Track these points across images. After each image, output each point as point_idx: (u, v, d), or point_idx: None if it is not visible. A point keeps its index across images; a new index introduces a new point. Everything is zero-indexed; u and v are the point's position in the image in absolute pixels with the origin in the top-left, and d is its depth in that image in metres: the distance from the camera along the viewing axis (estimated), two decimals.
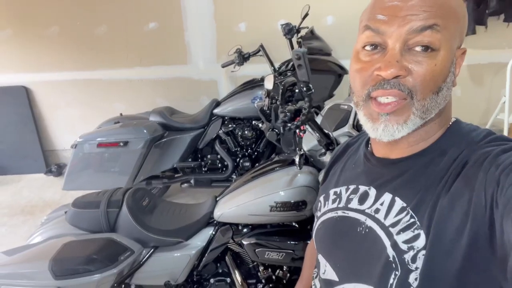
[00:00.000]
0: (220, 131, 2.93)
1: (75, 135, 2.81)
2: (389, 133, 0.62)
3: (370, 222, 0.66)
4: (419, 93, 0.59)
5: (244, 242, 1.66)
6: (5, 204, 3.43)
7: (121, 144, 2.62)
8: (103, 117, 3.09)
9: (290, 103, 1.39)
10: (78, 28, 3.60)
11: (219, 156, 2.95)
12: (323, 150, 1.63)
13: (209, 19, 3.48)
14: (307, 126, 1.51)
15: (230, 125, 2.92)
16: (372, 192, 0.69)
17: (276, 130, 1.31)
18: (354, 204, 0.71)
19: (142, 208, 1.71)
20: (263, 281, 1.72)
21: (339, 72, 2.74)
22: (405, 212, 0.61)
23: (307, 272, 1.03)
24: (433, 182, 0.60)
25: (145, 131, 2.66)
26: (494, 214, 0.51)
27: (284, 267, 1.71)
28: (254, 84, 2.88)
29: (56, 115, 3.94)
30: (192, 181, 2.95)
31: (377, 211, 0.66)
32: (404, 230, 0.60)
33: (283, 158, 1.75)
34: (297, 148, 1.41)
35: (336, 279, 0.71)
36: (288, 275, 1.72)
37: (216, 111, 2.91)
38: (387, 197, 0.65)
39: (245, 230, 1.70)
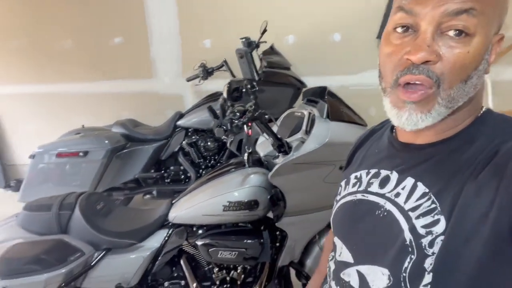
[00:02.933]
0: (184, 143, 2.97)
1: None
2: (413, 122, 0.60)
3: (389, 206, 0.65)
4: (447, 81, 0.57)
5: (198, 243, 1.68)
6: None
7: (81, 154, 2.60)
8: (66, 131, 3.06)
9: (239, 103, 1.46)
10: (43, 41, 3.60)
11: (182, 167, 2.97)
12: (276, 154, 1.70)
13: (175, 35, 3.57)
14: (259, 129, 1.58)
15: (193, 137, 2.96)
16: (394, 176, 0.67)
17: (224, 127, 1.37)
18: (375, 187, 0.70)
19: (95, 211, 1.71)
20: (218, 283, 1.74)
21: (297, 86, 2.85)
22: (426, 197, 0.60)
23: (325, 260, 1.02)
24: (459, 169, 0.58)
25: (106, 141, 2.66)
26: None
27: (238, 268, 1.73)
28: (218, 96, 2.95)
29: (17, 129, 3.86)
30: (154, 192, 2.94)
31: (397, 195, 0.64)
32: (424, 215, 0.59)
33: (239, 160, 1.81)
34: (246, 147, 1.48)
35: (352, 260, 0.70)
36: (243, 276, 1.74)
37: (179, 122, 2.96)
38: (409, 181, 0.64)
39: (199, 231, 1.72)
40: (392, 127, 0.77)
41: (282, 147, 1.65)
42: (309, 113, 1.87)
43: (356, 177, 0.77)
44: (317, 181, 1.60)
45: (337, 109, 1.66)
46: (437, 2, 0.56)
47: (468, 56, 0.56)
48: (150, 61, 3.64)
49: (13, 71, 3.68)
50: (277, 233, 1.76)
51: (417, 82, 0.58)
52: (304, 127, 1.83)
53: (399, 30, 0.60)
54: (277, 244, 1.75)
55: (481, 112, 0.64)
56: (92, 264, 1.58)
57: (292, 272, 1.88)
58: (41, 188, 2.63)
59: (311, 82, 3.12)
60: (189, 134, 2.98)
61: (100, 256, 1.61)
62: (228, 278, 1.74)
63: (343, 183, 0.82)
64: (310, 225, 1.73)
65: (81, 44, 3.61)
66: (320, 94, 1.78)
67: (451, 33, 0.56)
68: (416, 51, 0.56)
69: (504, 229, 0.51)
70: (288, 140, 1.71)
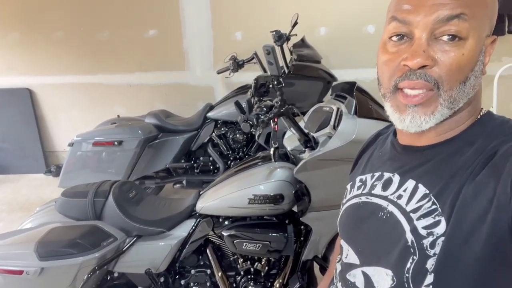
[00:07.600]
0: (213, 134, 3.03)
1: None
2: (416, 124, 0.62)
3: (391, 208, 0.66)
4: (446, 83, 0.59)
5: (224, 234, 1.72)
6: (5, 201, 3.53)
7: (116, 143, 2.71)
8: (102, 120, 3.20)
9: (266, 99, 1.48)
10: (82, 33, 3.76)
11: (211, 158, 3.04)
12: (303, 148, 1.71)
13: (207, 27, 3.61)
14: (285, 124, 1.59)
15: (222, 129, 3.01)
16: (396, 178, 0.69)
17: (250, 122, 1.39)
18: (378, 190, 0.72)
19: (128, 199, 1.79)
20: (242, 273, 1.78)
21: (328, 79, 2.82)
22: (427, 199, 0.61)
23: (335, 262, 1.08)
24: (458, 170, 0.60)
25: (139, 131, 2.76)
26: None
27: (263, 260, 1.77)
28: (247, 89, 2.96)
29: (58, 117, 4.07)
30: (184, 182, 3.03)
31: (399, 197, 0.66)
32: (424, 216, 0.60)
33: (266, 154, 1.83)
34: (272, 142, 1.50)
35: (357, 262, 0.73)
36: (267, 268, 1.78)
37: (209, 114, 3.01)
38: (410, 183, 0.65)
39: (226, 222, 1.77)
40: (395, 130, 0.79)
41: (308, 142, 1.66)
42: (338, 108, 1.86)
43: (361, 180, 0.79)
44: (342, 177, 1.57)
45: (366, 105, 1.64)
46: (428, 10, 0.58)
47: (463, 58, 0.58)
48: (183, 53, 3.71)
49: (54, 62, 3.87)
50: (302, 227, 1.77)
51: (415, 89, 0.61)
52: (332, 122, 1.81)
53: (395, 38, 0.63)
54: (302, 238, 1.77)
55: (481, 114, 0.66)
56: (123, 249, 1.66)
57: (316, 266, 1.89)
58: (79, 174, 2.77)
59: (344, 75, 3.07)
60: (219, 126, 3.03)
61: (131, 242, 1.68)
62: (252, 269, 1.78)
63: (348, 187, 0.85)
64: (335, 221, 1.73)
65: (117, 36, 3.74)
66: (349, 90, 1.76)
67: (445, 38, 0.58)
68: (413, 57, 0.59)
69: (503, 229, 0.52)
70: (316, 135, 1.70)
